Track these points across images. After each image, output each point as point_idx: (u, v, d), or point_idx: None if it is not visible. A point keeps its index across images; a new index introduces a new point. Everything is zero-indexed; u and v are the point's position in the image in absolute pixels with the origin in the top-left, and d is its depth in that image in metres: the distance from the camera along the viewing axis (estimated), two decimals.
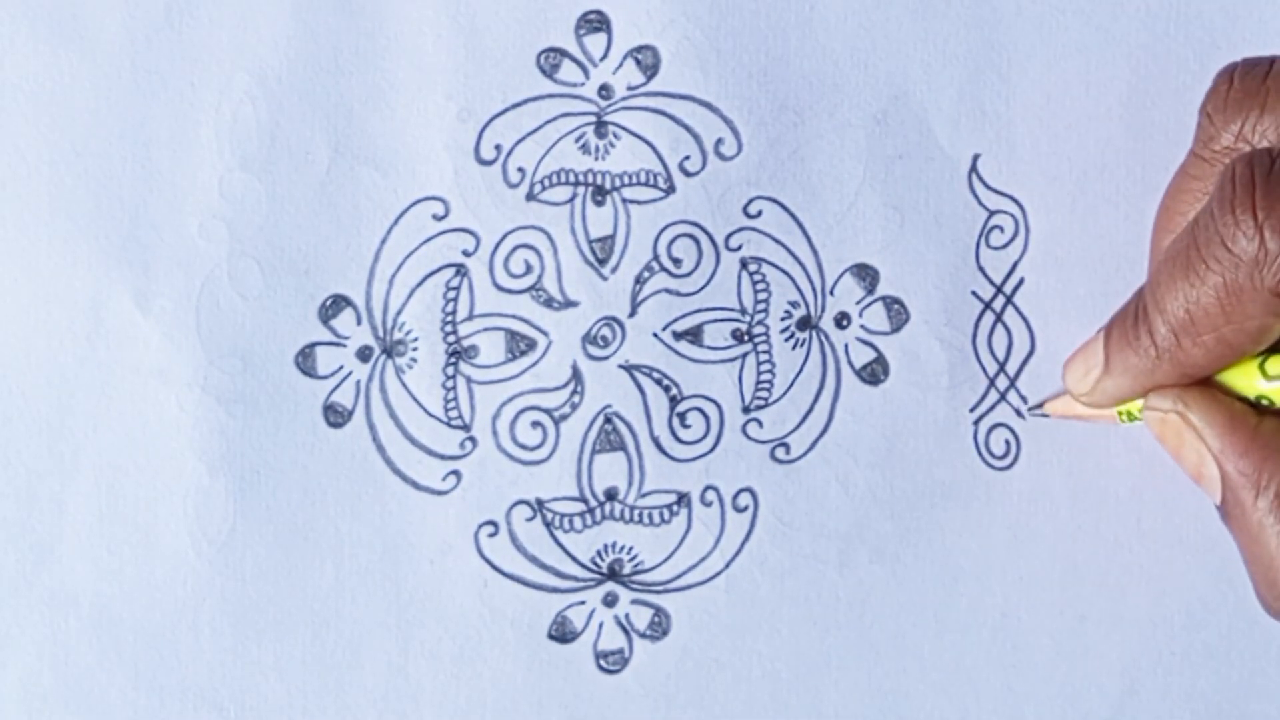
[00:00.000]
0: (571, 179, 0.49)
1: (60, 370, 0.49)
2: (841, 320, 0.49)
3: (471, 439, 0.49)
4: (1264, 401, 0.44)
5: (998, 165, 0.49)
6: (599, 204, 0.49)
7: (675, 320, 0.49)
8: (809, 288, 0.49)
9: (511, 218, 0.49)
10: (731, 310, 0.49)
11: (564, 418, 0.49)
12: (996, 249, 0.49)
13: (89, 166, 0.49)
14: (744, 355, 0.49)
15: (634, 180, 0.49)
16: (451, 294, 0.49)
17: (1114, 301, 0.46)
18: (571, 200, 0.49)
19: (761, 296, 0.49)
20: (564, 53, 0.49)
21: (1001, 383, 0.49)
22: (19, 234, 0.49)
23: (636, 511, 0.49)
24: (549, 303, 0.49)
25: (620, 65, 0.49)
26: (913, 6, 0.49)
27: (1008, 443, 0.49)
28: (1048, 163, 0.49)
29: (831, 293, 0.49)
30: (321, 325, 0.49)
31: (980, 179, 0.49)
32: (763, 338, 0.49)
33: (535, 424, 0.49)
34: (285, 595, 0.49)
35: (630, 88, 0.49)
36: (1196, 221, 0.42)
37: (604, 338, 0.49)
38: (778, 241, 0.49)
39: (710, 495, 0.49)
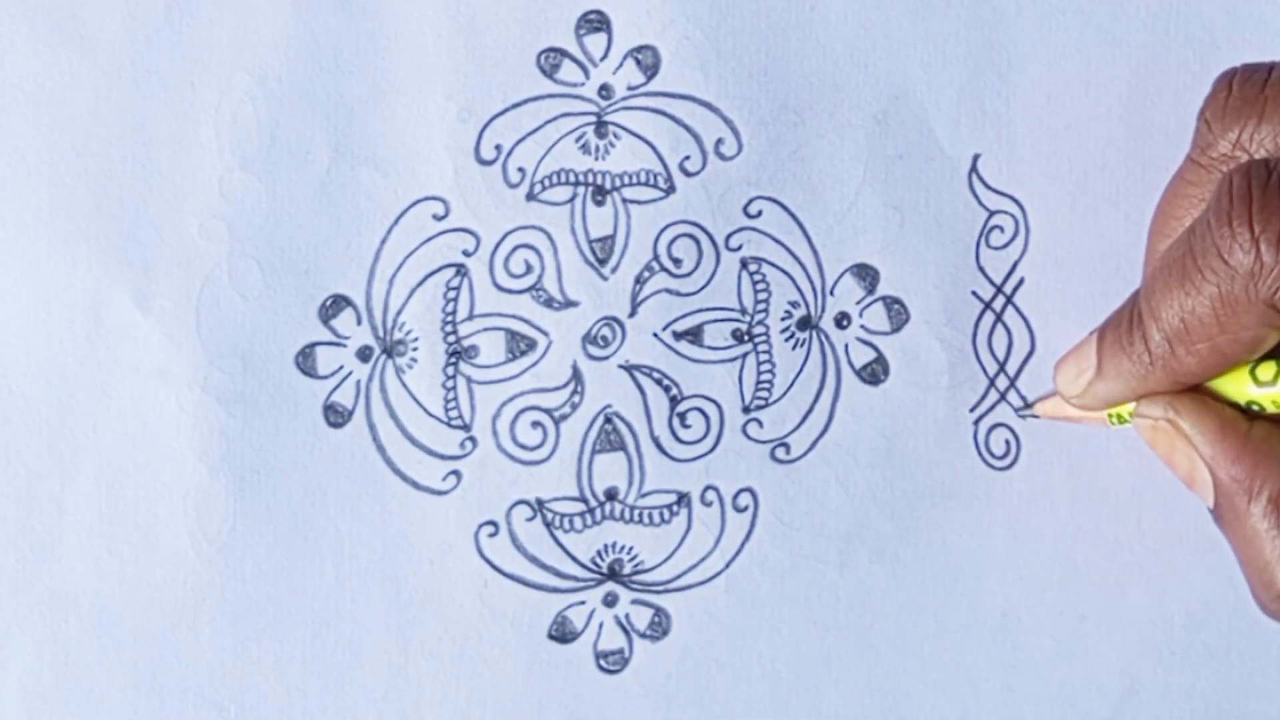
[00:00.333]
0: (571, 179, 0.49)
1: (60, 370, 0.49)
2: (841, 320, 0.49)
3: (471, 439, 0.49)
4: (1254, 407, 0.44)
5: (998, 165, 0.49)
6: (599, 204, 0.49)
7: (675, 320, 0.49)
8: (809, 288, 0.49)
9: (511, 218, 0.49)
10: (731, 310, 0.49)
11: (564, 418, 0.49)
12: (996, 249, 0.49)
13: (89, 166, 0.49)
14: (744, 355, 0.49)
15: (634, 180, 0.49)
16: (451, 294, 0.49)
17: (1114, 301, 0.46)
18: (571, 200, 0.49)
19: (761, 296, 0.49)
20: (564, 53, 0.49)
21: (1001, 383, 0.49)
22: (19, 234, 0.49)
23: (636, 511, 0.49)
24: (549, 303, 0.49)
25: (620, 65, 0.49)
26: (913, 6, 0.49)
27: (1008, 443, 0.49)
28: (1048, 163, 0.49)
29: (831, 293, 0.49)
30: (321, 325, 0.49)
31: (980, 179, 0.49)
32: (763, 338, 0.49)
33: (535, 424, 0.49)
34: (285, 595, 0.49)
35: (630, 88, 0.49)
36: (1193, 231, 0.42)
37: (604, 338, 0.49)
38: (778, 241, 0.49)
39: (710, 495, 0.49)
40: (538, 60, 0.49)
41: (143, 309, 0.49)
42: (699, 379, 0.49)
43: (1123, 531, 0.49)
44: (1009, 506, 0.49)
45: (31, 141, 0.49)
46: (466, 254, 0.49)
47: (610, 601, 0.49)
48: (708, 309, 0.49)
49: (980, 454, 0.49)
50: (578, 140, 0.49)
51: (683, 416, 0.49)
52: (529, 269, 0.49)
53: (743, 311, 0.49)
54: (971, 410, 0.49)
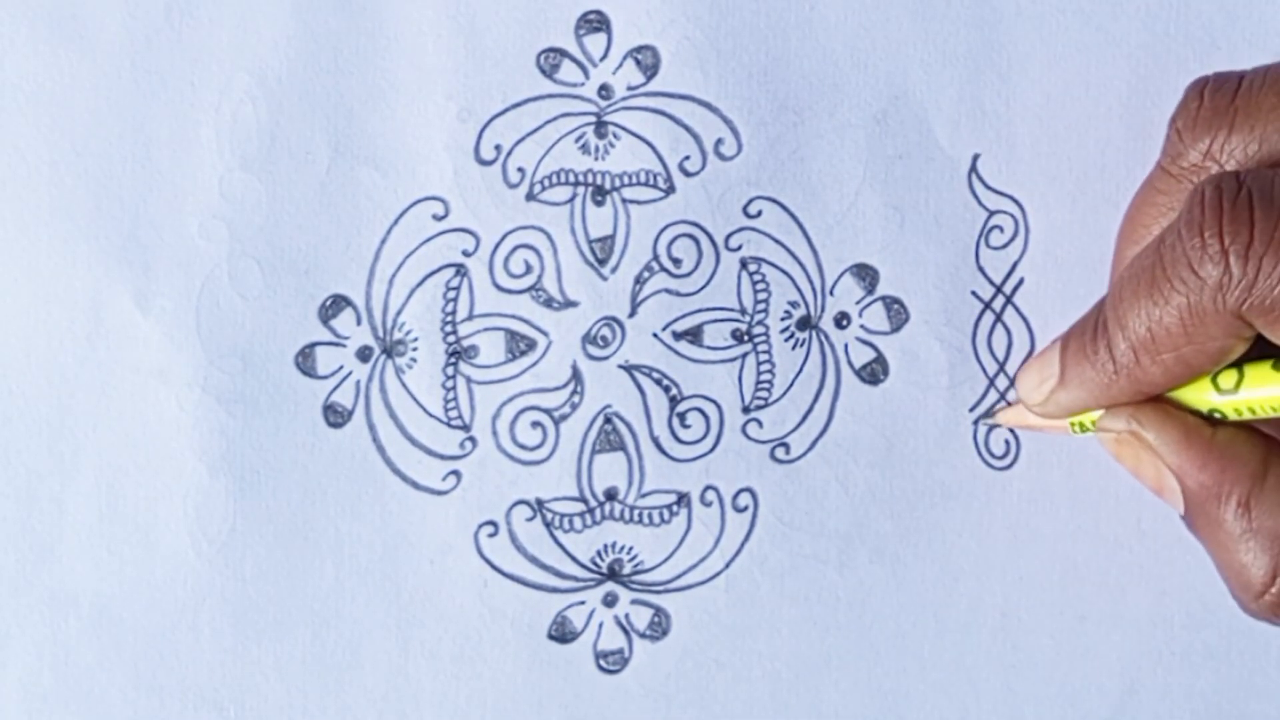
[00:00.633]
0: (571, 179, 0.49)
1: (60, 370, 0.49)
2: (841, 320, 0.49)
3: (471, 439, 0.49)
4: (1216, 414, 0.44)
5: (998, 165, 0.49)
6: (599, 204, 0.49)
7: (675, 320, 0.49)
8: (809, 288, 0.49)
9: (511, 218, 0.49)
10: (731, 310, 0.49)
11: (564, 418, 0.49)
12: (996, 249, 0.49)
13: (89, 166, 0.49)
14: (744, 355, 0.49)
15: (634, 180, 0.49)
16: (451, 294, 0.49)
17: None
18: (571, 200, 0.49)
19: (761, 296, 0.49)
20: (564, 53, 0.49)
21: (1001, 383, 0.49)
22: (19, 234, 0.49)
23: (636, 511, 0.49)
24: (549, 303, 0.49)
25: (620, 65, 0.49)
26: (913, 6, 0.49)
27: (1008, 443, 0.49)
28: (1048, 163, 0.49)
29: (831, 293, 0.49)
30: (321, 325, 0.49)
31: (980, 179, 0.49)
32: (763, 338, 0.49)
33: (535, 424, 0.49)
34: (285, 595, 0.49)
35: (630, 88, 0.49)
36: (1163, 241, 0.42)
37: (604, 338, 0.49)
38: (778, 241, 0.49)
39: (710, 495, 0.49)
40: (537, 60, 0.49)
41: (143, 309, 0.49)
42: (699, 379, 0.49)
43: (1123, 531, 0.49)
44: (1009, 506, 0.49)
45: (31, 141, 0.49)
46: (466, 254, 0.49)
47: (610, 601, 0.49)
48: (707, 309, 0.49)
49: (980, 454, 0.49)
50: (577, 140, 0.49)
51: (682, 416, 0.49)
52: (529, 269, 0.49)
53: (742, 311, 0.49)
54: (971, 410, 0.49)
